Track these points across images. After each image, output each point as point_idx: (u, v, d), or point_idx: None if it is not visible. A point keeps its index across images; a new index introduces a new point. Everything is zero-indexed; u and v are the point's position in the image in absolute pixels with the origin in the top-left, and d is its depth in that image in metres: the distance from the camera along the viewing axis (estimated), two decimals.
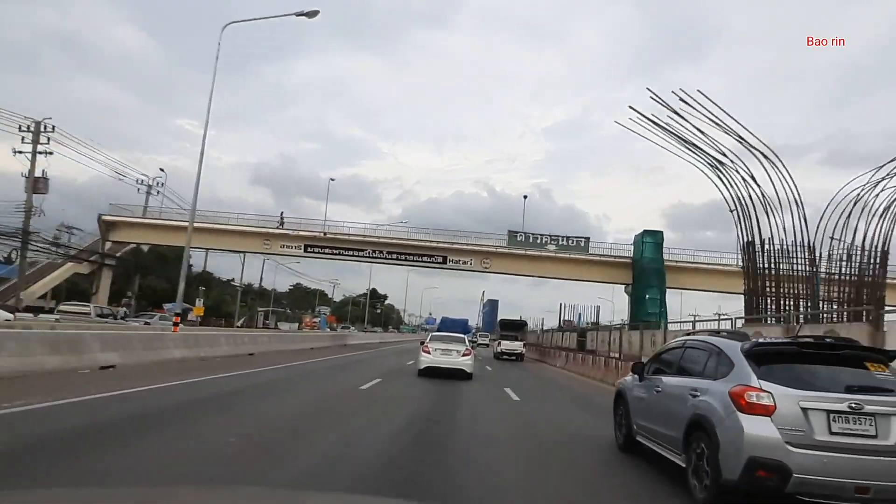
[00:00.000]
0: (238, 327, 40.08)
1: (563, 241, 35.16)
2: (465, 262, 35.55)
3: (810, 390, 3.58)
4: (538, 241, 35.18)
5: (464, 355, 13.34)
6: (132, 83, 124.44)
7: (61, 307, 24.45)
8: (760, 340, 4.03)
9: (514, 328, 32.87)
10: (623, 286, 35.76)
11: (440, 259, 35.44)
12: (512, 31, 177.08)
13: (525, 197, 40.16)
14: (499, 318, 44.85)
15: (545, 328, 37.45)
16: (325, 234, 35.19)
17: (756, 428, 3.53)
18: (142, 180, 36.43)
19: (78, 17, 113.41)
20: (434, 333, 16.99)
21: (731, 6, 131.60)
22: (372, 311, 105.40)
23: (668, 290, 33.22)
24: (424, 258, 35.66)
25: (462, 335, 15.87)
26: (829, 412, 3.49)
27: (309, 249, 35.44)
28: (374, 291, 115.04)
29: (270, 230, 35.23)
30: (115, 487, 3.11)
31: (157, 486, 3.30)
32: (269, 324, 59.39)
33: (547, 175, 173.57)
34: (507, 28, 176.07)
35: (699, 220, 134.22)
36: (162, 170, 38.27)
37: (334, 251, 35.50)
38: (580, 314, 38.87)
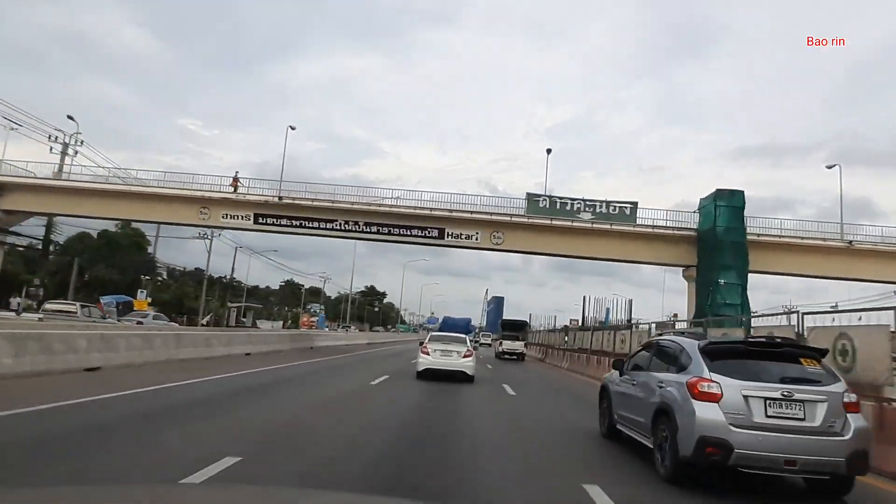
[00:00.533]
0: (203, 325, 43.50)
1: (601, 207, 36.90)
2: (468, 237, 37.40)
3: (751, 381, 6.04)
4: (567, 207, 37.09)
5: (465, 356, 16.82)
6: (136, 83, 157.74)
7: (46, 305, 28.63)
8: (713, 339, 6.51)
9: (516, 328, 41.73)
10: (681, 269, 37.97)
11: (435, 233, 37.31)
12: (518, 29, 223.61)
13: (549, 151, 41.58)
14: (501, 318, 51.41)
15: (570, 325, 40.22)
16: (280, 198, 37.38)
17: (706, 412, 6.00)
18: (56, 137, 38.24)
19: (83, 18, 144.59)
20: (433, 333, 20.52)
21: (737, 5, 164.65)
22: (370, 309, 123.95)
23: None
24: (414, 231, 37.64)
25: (463, 335, 19.64)
26: (765, 399, 5.95)
27: (261, 220, 37.54)
28: (372, 289, 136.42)
29: (209, 194, 37.27)
30: (114, 487, 3.60)
31: (157, 485, 3.96)
32: (245, 322, 65.93)
33: (550, 174, 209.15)
34: (512, 27, 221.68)
35: None
36: (70, 118, 39.83)
37: (294, 222, 37.62)
38: (608, 309, 41.85)
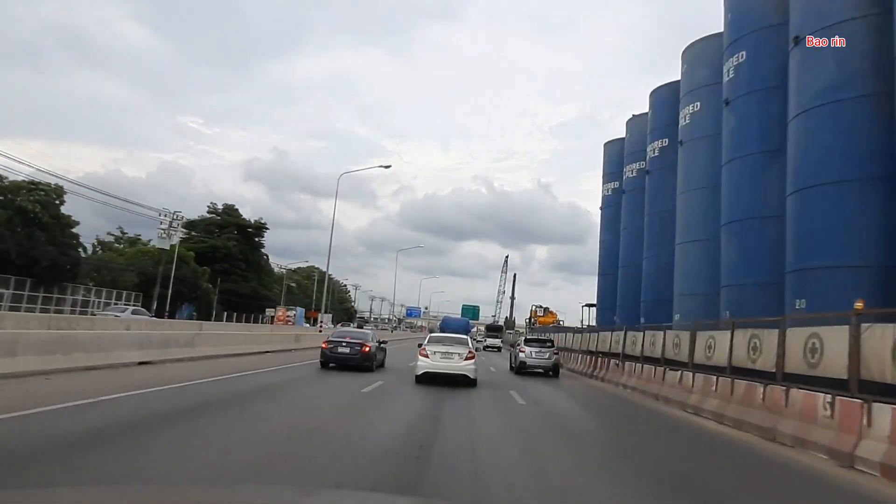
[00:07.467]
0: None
1: None
2: None
3: (533, 347, 25.48)
4: None
5: (467, 359, 16.47)
6: (136, 80, 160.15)
7: None
8: (528, 337, 25.98)
9: (496, 330, 66.15)
10: None
11: None
12: (522, 27, 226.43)
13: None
14: (485, 324, 72.25)
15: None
16: None
17: (522, 354, 25.37)
18: None
19: (82, 13, 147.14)
20: (432, 335, 20.19)
21: None
22: (218, 269, 63.21)
23: None
24: None
25: (464, 336, 19.70)
26: (534, 351, 25.32)
27: None
28: (230, 211, 70.13)
29: None
30: (115, 487, 3.96)
31: (158, 486, 4.35)
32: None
33: (553, 174, 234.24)
34: (516, 24, 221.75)
35: None
36: None
37: None
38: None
